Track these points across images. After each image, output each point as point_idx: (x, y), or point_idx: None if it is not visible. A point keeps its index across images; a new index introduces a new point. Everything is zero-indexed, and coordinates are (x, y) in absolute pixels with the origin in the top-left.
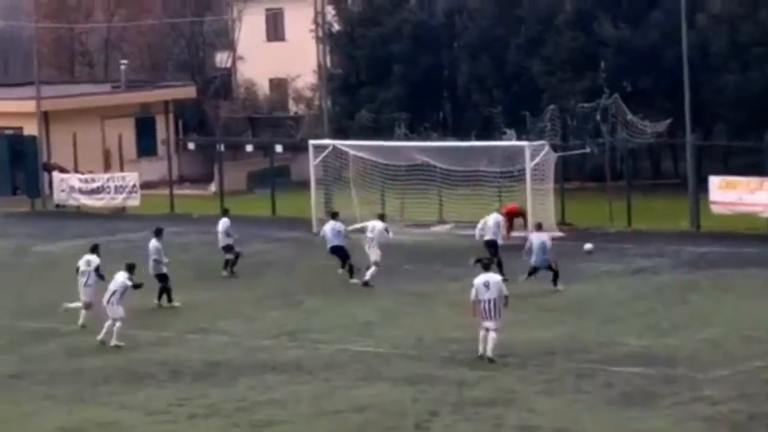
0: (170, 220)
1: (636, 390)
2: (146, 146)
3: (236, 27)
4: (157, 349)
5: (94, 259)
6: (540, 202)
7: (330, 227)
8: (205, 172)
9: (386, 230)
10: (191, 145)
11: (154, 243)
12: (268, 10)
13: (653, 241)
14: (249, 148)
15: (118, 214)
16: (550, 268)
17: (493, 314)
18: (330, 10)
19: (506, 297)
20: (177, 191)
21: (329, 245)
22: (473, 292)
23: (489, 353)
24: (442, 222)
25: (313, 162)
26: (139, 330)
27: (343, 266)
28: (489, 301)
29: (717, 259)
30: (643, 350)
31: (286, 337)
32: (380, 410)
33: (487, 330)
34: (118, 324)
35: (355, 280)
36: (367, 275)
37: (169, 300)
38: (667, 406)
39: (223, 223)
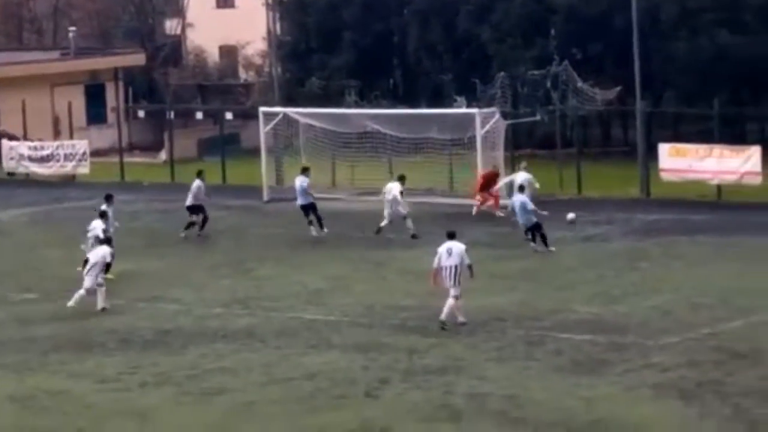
0: (120, 187)
1: (586, 357)
2: (96, 114)
3: None
4: (108, 317)
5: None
6: (490, 169)
7: (298, 183)
8: (155, 139)
9: (401, 193)
10: (141, 113)
11: (104, 208)
12: None
13: (603, 209)
14: (199, 115)
15: (68, 181)
16: (538, 228)
17: (453, 280)
18: None
19: (470, 266)
20: (127, 159)
21: (297, 202)
22: (436, 259)
23: (443, 317)
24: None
25: (263, 129)
26: (89, 298)
27: (310, 222)
28: (450, 268)
29: (666, 226)
30: (594, 317)
31: (237, 305)
32: (331, 378)
33: (449, 296)
34: (81, 292)
35: (317, 232)
36: (410, 228)
37: (105, 271)
38: (616, 374)
39: (196, 185)
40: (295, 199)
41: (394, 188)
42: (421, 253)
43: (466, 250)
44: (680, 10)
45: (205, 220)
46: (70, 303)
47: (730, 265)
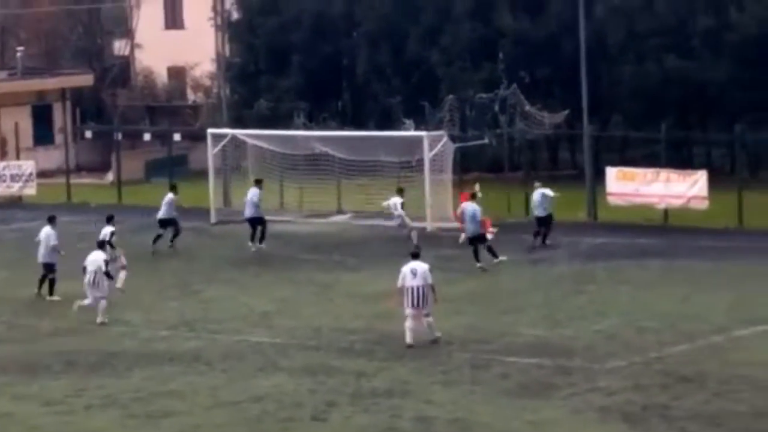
0: (67, 209)
1: (532, 381)
2: (43, 134)
3: (134, 14)
4: (54, 339)
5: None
6: (438, 192)
7: (250, 195)
8: (103, 160)
9: (401, 204)
10: (88, 134)
11: (47, 230)
12: None
13: (551, 232)
14: (147, 136)
15: (15, 202)
16: (483, 239)
17: (420, 302)
18: None
19: (432, 286)
20: (74, 180)
21: (245, 214)
22: (400, 278)
23: (433, 336)
24: (340, 212)
25: (211, 151)
26: (36, 320)
27: (252, 238)
28: (416, 288)
29: (613, 250)
30: (540, 341)
31: (184, 327)
32: (278, 401)
33: (418, 317)
34: (103, 302)
35: (255, 247)
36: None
37: (51, 293)
38: (562, 397)
39: (169, 198)
40: (243, 221)
41: (396, 202)
42: (369, 276)
43: (430, 270)
44: (627, 35)
45: (177, 233)
46: (99, 319)
47: (677, 289)
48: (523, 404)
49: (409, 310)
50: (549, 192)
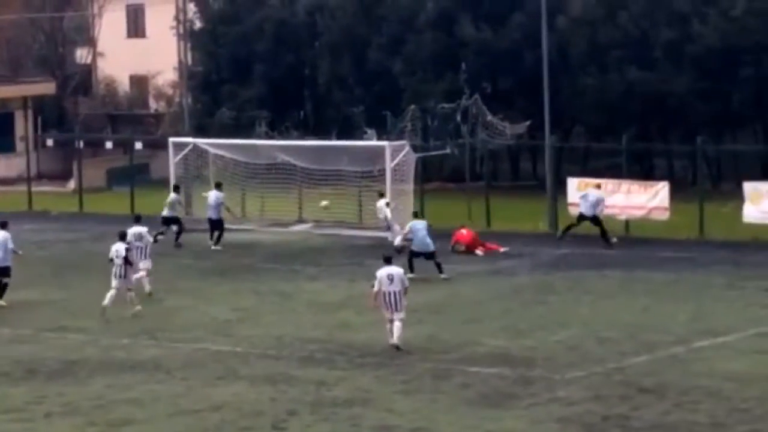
0: (28, 217)
1: (493, 390)
2: (4, 142)
3: (96, 23)
4: (13, 346)
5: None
6: (400, 202)
7: (213, 197)
8: (64, 168)
9: (386, 204)
10: (50, 142)
11: (3, 234)
12: (128, 6)
13: (512, 242)
14: (108, 144)
15: None
16: (432, 256)
17: (397, 306)
18: (191, 7)
19: (406, 288)
20: (35, 188)
21: (207, 215)
22: (376, 283)
23: (396, 341)
24: (302, 221)
25: (173, 160)
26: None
27: (211, 237)
28: (393, 294)
29: (574, 260)
30: (501, 351)
31: (144, 335)
32: (238, 409)
33: (391, 321)
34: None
35: (218, 247)
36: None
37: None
38: (523, 407)
39: (173, 197)
40: (205, 230)
41: (382, 206)
42: (329, 285)
43: (405, 273)
44: (589, 46)
45: (180, 231)
46: (135, 308)
47: (637, 299)
48: (484, 414)
49: (386, 314)
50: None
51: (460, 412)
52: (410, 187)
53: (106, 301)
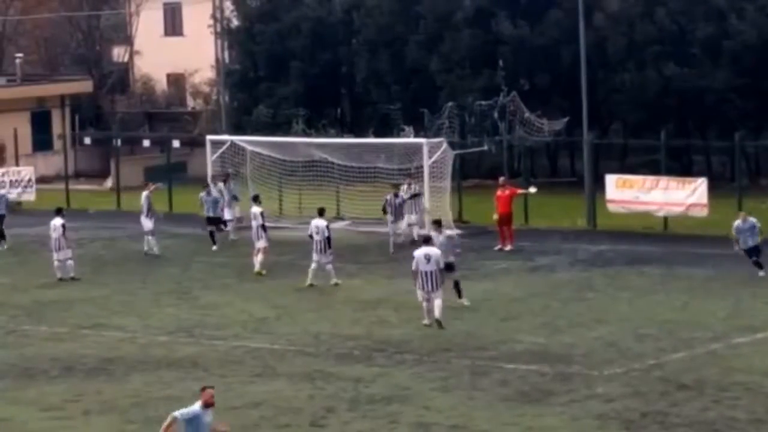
0: (66, 215)
1: (531, 387)
2: (42, 141)
3: (134, 21)
4: (51, 344)
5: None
6: (437, 199)
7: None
8: (102, 167)
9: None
10: (87, 140)
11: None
12: (165, 4)
13: (550, 239)
14: (146, 143)
15: (13, 209)
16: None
17: (434, 285)
18: (228, 6)
19: (441, 270)
20: (73, 186)
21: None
22: (414, 263)
23: (438, 316)
24: (339, 218)
25: (210, 157)
26: (33, 326)
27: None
28: (430, 273)
29: (613, 257)
30: (539, 348)
31: (182, 333)
32: (276, 407)
33: (428, 300)
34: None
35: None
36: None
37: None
38: (561, 404)
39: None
40: (243, 227)
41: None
42: (367, 282)
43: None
44: (627, 43)
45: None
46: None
47: (676, 296)
48: (522, 411)
49: (421, 293)
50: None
51: (498, 409)
52: (448, 184)
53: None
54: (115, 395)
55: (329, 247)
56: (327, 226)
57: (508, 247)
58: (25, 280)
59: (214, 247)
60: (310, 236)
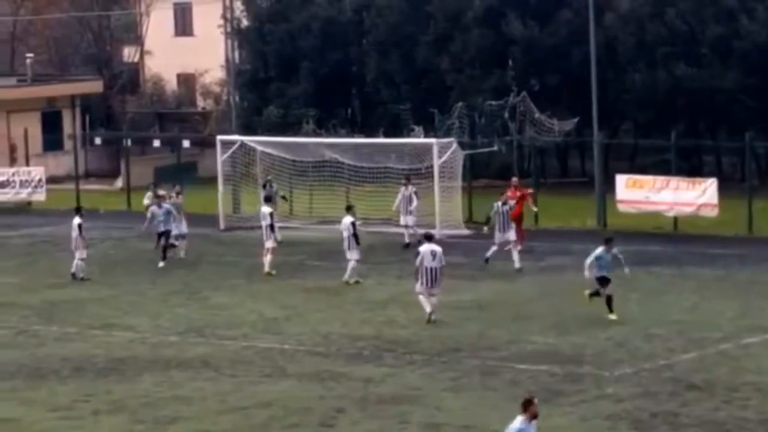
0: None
1: (542, 388)
2: (52, 141)
3: (144, 21)
4: (61, 344)
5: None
6: (447, 199)
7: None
8: (112, 167)
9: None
10: (98, 140)
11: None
12: (176, 4)
13: (560, 239)
14: (156, 143)
15: (24, 208)
16: None
17: (436, 282)
18: (238, 6)
19: (444, 266)
20: (83, 186)
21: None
22: (419, 258)
23: (433, 316)
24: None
25: (220, 158)
26: (43, 326)
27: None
28: (434, 270)
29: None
30: (550, 348)
31: (192, 333)
32: (285, 407)
33: (430, 295)
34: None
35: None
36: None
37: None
38: (572, 404)
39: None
40: (253, 227)
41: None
42: (376, 282)
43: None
44: (637, 43)
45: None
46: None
47: (686, 296)
48: None
49: (421, 288)
50: None
51: (509, 410)
52: (458, 184)
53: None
54: (125, 395)
55: (357, 244)
56: (352, 223)
57: (518, 248)
58: (35, 280)
59: (161, 264)
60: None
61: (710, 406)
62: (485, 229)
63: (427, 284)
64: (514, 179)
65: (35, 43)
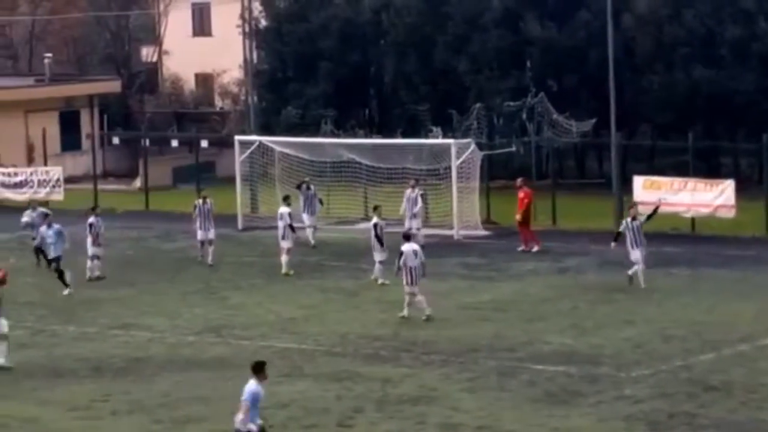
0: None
1: (559, 388)
2: (70, 140)
3: (162, 21)
4: (79, 344)
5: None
6: (465, 200)
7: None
8: (130, 167)
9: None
10: (116, 140)
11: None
12: (194, 4)
13: (578, 240)
14: (174, 143)
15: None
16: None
17: (418, 279)
18: (257, 6)
19: (424, 264)
20: (101, 186)
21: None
22: (402, 258)
23: (429, 311)
24: (367, 219)
25: (238, 158)
26: (61, 325)
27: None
28: (415, 268)
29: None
30: (567, 349)
31: (210, 333)
32: (303, 407)
33: (413, 294)
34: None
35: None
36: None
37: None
38: (589, 405)
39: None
40: (271, 227)
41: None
42: (394, 283)
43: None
44: (655, 45)
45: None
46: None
47: (703, 297)
48: (550, 411)
49: (408, 288)
50: None
51: (526, 410)
52: (476, 185)
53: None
54: (143, 395)
55: (381, 245)
56: (374, 225)
57: (534, 248)
58: (52, 280)
59: (67, 291)
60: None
61: (728, 407)
62: (613, 245)
63: (412, 283)
64: (519, 180)
65: (53, 42)
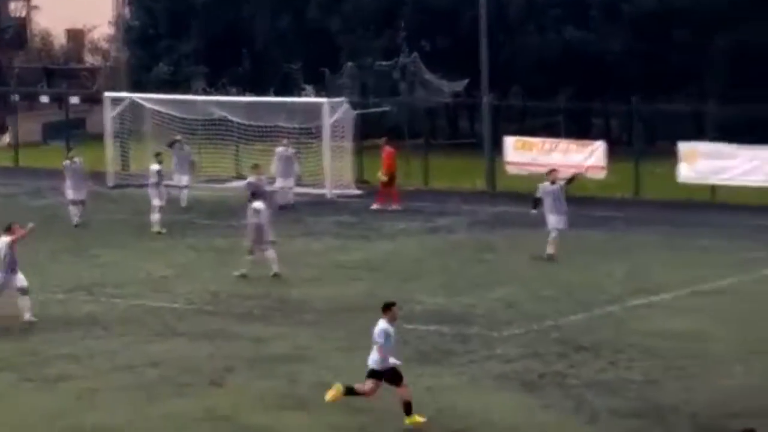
0: None
1: (431, 348)
2: None
3: None
4: None
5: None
6: (338, 159)
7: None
8: None
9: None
10: None
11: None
12: None
13: (450, 200)
14: (44, 99)
15: None
16: None
17: (263, 236)
18: None
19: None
20: None
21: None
22: (248, 216)
23: (276, 269)
24: (239, 177)
25: (109, 114)
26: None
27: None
28: (260, 226)
29: (512, 218)
30: (439, 308)
31: (80, 291)
32: (175, 366)
33: (263, 251)
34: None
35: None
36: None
37: None
38: (461, 364)
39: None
40: (141, 185)
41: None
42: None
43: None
44: (528, 6)
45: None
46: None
47: (574, 258)
48: (421, 371)
49: (250, 244)
50: None
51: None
52: (348, 144)
53: None
54: (12, 353)
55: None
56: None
57: (393, 207)
58: None
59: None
60: None
61: (597, 367)
62: (533, 212)
63: (256, 241)
64: (383, 139)
65: None
